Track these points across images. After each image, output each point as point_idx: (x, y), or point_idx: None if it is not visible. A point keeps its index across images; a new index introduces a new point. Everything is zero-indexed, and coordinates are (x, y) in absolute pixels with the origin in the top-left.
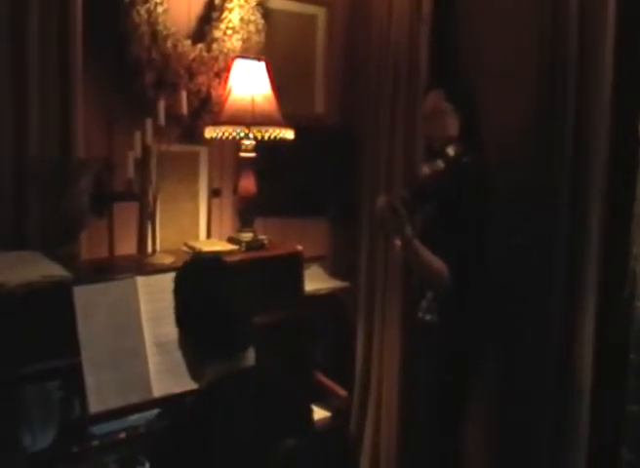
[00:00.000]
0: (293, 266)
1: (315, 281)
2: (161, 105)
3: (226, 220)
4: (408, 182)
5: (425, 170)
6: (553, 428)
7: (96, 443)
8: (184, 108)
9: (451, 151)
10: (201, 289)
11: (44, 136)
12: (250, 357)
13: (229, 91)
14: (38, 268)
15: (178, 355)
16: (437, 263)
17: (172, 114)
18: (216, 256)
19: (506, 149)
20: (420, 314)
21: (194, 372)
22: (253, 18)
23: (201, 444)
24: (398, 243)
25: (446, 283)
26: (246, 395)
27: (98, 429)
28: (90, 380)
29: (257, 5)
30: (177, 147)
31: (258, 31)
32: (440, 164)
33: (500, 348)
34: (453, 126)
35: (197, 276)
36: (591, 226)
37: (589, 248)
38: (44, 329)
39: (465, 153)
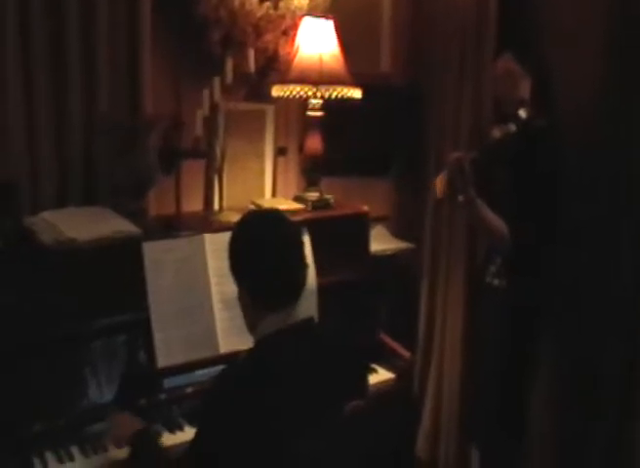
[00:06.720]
0: (359, 226)
1: (380, 241)
2: (228, 63)
3: (291, 179)
4: (479, 144)
5: (496, 132)
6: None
7: (163, 396)
8: (252, 66)
9: (523, 114)
10: (253, 239)
11: (113, 93)
12: (302, 311)
13: (297, 49)
14: (108, 224)
15: None
16: (498, 223)
17: (239, 72)
18: (273, 210)
19: (574, 114)
20: (488, 279)
21: (250, 326)
22: None
23: (253, 398)
24: (461, 198)
25: (506, 242)
26: (298, 349)
27: (165, 383)
28: (158, 336)
29: None
30: (243, 105)
31: None
32: (512, 127)
33: (568, 309)
34: (524, 88)
35: (251, 227)
36: None
37: None
38: (113, 284)
39: (537, 116)
